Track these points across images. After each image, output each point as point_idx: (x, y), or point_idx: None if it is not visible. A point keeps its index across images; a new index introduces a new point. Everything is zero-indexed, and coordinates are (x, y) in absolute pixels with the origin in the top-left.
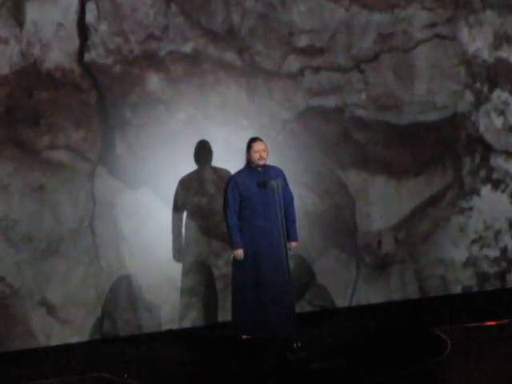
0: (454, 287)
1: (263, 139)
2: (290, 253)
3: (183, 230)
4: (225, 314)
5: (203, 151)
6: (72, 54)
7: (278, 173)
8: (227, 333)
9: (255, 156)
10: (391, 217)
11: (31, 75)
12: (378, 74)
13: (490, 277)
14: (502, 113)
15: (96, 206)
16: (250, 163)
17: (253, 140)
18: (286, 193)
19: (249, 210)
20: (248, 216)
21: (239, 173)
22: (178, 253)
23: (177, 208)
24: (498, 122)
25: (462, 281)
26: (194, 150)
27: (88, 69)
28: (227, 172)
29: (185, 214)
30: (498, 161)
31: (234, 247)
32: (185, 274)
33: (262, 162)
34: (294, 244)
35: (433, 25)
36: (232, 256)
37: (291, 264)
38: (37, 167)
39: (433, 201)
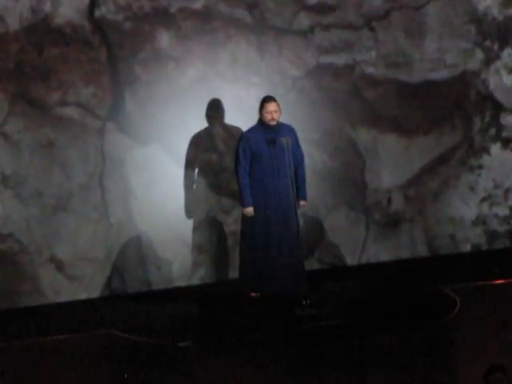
0: (463, 245)
1: (276, 99)
2: (299, 211)
3: (192, 186)
4: (234, 271)
5: (213, 108)
6: (82, 10)
7: (289, 131)
8: (236, 290)
9: (267, 116)
10: (401, 175)
11: (41, 31)
12: (388, 32)
13: (500, 235)
14: (511, 71)
15: (105, 162)
16: (261, 121)
17: (266, 100)
18: (296, 152)
19: (259, 167)
20: (258, 174)
21: (250, 130)
22: (187, 209)
23: (186, 164)
24: (508, 80)
25: (471, 239)
26: (204, 106)
27: (98, 25)
28: (237, 129)
29: (194, 171)
30: (507, 119)
31: (244, 205)
32: (194, 230)
33: (273, 123)
34: (303, 203)
35: None
36: (242, 213)
37: (301, 222)
38: (47, 123)
39: (442, 159)
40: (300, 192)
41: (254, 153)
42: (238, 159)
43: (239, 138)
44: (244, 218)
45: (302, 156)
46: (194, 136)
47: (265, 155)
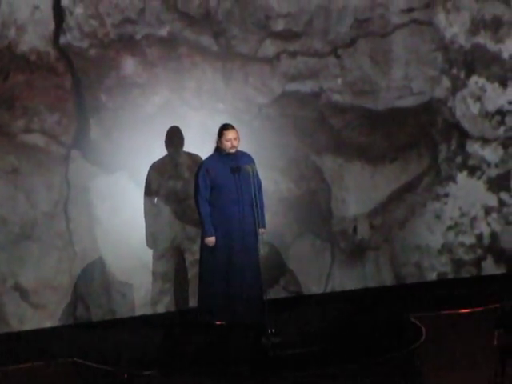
0: (429, 274)
1: (234, 126)
2: (261, 239)
3: (157, 214)
4: None
5: (177, 135)
6: (47, 37)
7: (249, 158)
8: (201, 318)
9: (227, 144)
10: (367, 203)
11: (6, 58)
12: (354, 60)
13: (466, 264)
14: (478, 99)
15: (70, 190)
16: (220, 149)
17: (224, 128)
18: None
19: (221, 196)
20: (220, 202)
21: (209, 159)
22: (152, 238)
23: (151, 192)
24: (475, 108)
25: (437, 268)
26: (167, 134)
27: (63, 52)
28: (201, 157)
29: (159, 199)
30: (474, 147)
31: (206, 235)
32: (159, 258)
33: (233, 151)
34: (262, 230)
35: (410, 10)
36: (200, 242)
37: (266, 249)
38: (11, 150)
39: (409, 187)
40: (259, 220)
41: (215, 181)
42: (198, 188)
43: (198, 166)
44: (204, 246)
45: (259, 184)
46: (159, 163)
47: (227, 183)
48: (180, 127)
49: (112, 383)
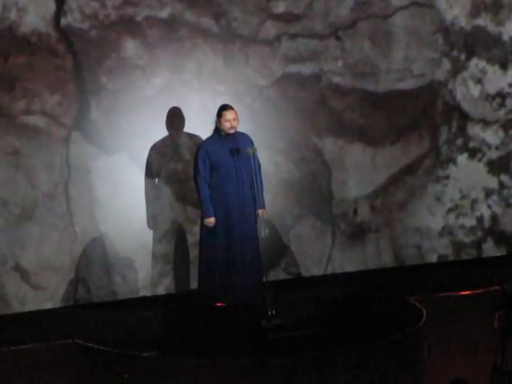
0: (429, 256)
1: (234, 107)
2: (262, 219)
3: (158, 196)
4: None
5: (178, 117)
6: (48, 19)
7: (248, 139)
8: (201, 300)
9: (226, 125)
10: (367, 185)
11: (7, 39)
12: (355, 42)
13: (466, 246)
14: (479, 81)
15: (71, 171)
16: (219, 130)
17: (223, 108)
18: None
19: (221, 177)
20: (220, 184)
21: (209, 140)
22: (152, 219)
23: (151, 174)
24: (475, 90)
25: (437, 250)
26: (167, 116)
27: (64, 33)
28: (201, 139)
29: (160, 180)
30: (474, 129)
31: (205, 216)
32: (159, 240)
33: (232, 131)
34: (261, 211)
35: None
36: (200, 224)
37: (267, 231)
38: (12, 132)
39: (409, 169)
40: (258, 200)
41: (215, 162)
42: (198, 169)
43: (197, 147)
44: (204, 228)
45: (259, 164)
46: (159, 145)
47: (227, 164)
48: (181, 109)
49: (112, 364)
